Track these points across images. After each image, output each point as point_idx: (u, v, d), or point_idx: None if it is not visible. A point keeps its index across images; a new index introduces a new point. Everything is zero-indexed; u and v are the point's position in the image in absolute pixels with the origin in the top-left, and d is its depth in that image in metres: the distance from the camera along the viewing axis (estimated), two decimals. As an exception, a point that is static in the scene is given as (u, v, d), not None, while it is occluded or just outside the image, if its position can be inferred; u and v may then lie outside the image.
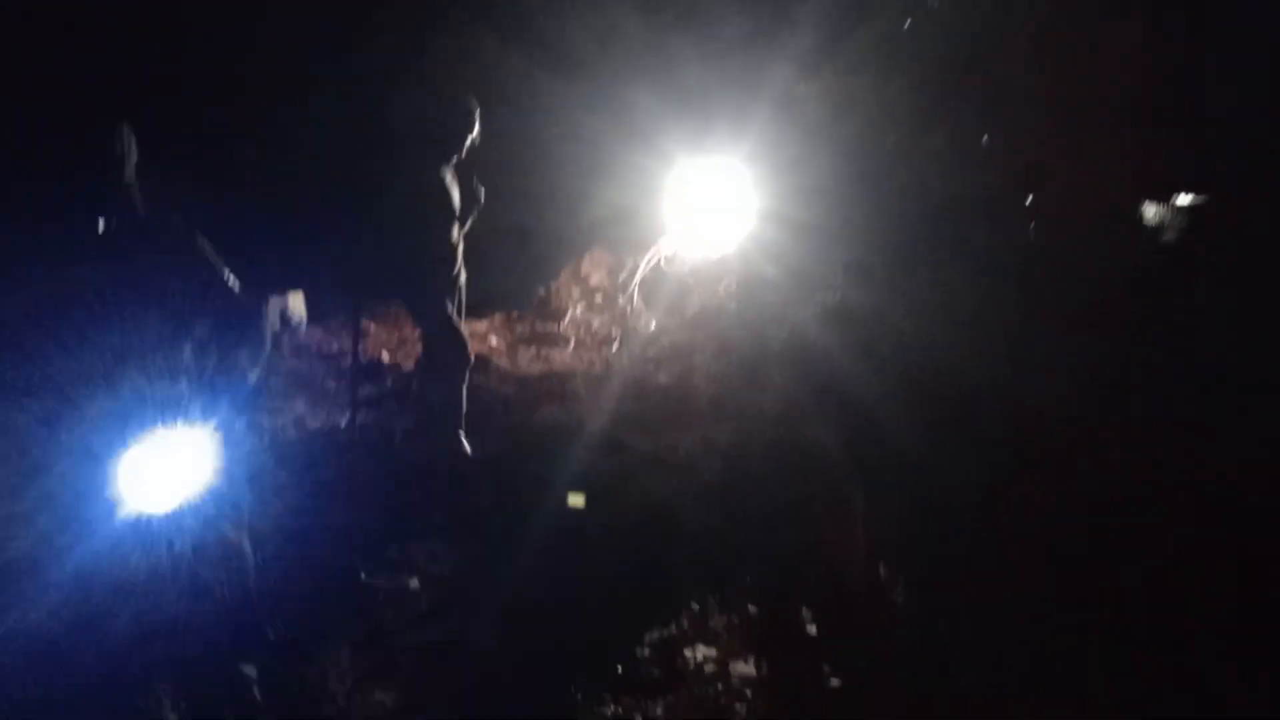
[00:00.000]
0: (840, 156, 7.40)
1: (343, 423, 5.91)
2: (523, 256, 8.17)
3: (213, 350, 2.42)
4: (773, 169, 7.96)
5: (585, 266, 8.63)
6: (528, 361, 7.08)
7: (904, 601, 3.64)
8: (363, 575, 3.75)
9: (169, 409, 2.28)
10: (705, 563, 4.00)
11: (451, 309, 4.76)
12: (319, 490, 4.63)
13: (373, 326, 8.24)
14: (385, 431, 5.48)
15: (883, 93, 7.38)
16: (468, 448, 4.94)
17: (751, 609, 3.70)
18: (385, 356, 7.28)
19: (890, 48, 7.06)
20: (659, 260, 8.32)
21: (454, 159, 4.74)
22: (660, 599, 3.74)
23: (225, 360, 2.28)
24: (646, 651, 3.40)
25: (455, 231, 4.73)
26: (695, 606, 3.67)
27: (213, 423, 2.23)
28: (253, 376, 2.32)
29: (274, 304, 8.31)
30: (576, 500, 3.91)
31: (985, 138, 7.59)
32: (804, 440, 5.28)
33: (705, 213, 8.19)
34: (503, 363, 6.97)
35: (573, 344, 7.50)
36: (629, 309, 7.97)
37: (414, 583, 3.75)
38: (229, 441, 2.29)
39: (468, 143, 4.70)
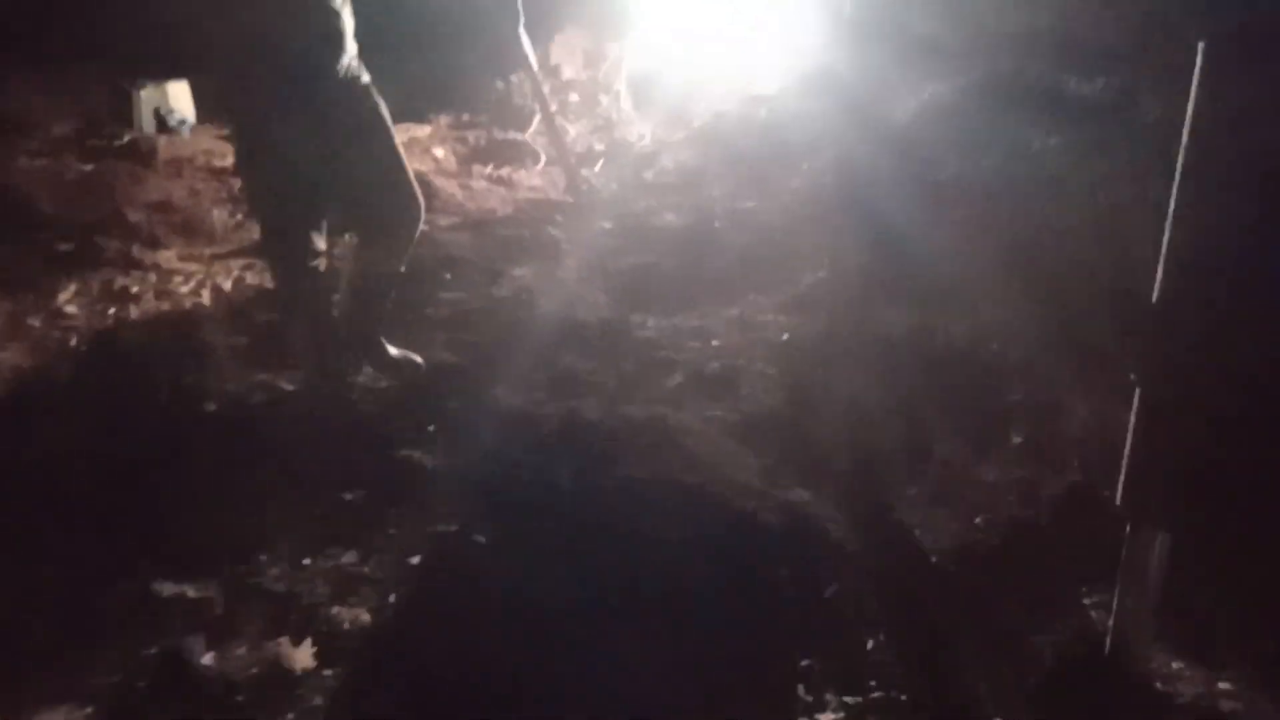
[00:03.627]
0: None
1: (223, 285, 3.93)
2: (473, 41, 5.94)
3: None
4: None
5: (555, 55, 6.40)
6: (485, 188, 5.03)
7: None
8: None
9: None
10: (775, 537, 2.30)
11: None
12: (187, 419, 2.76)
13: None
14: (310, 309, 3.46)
15: None
16: (403, 355, 3.03)
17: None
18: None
19: None
20: (652, 49, 6.13)
21: None
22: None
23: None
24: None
25: None
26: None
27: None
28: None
29: (146, 100, 6.05)
30: None
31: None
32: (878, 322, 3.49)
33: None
34: (452, 189, 4.93)
35: (543, 161, 5.44)
36: (614, 114, 5.86)
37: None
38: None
39: None
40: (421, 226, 3.01)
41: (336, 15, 2.63)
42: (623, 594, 2.15)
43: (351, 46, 2.69)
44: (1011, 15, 4.89)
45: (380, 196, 2.84)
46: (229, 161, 5.44)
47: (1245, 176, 1.42)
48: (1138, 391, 1.63)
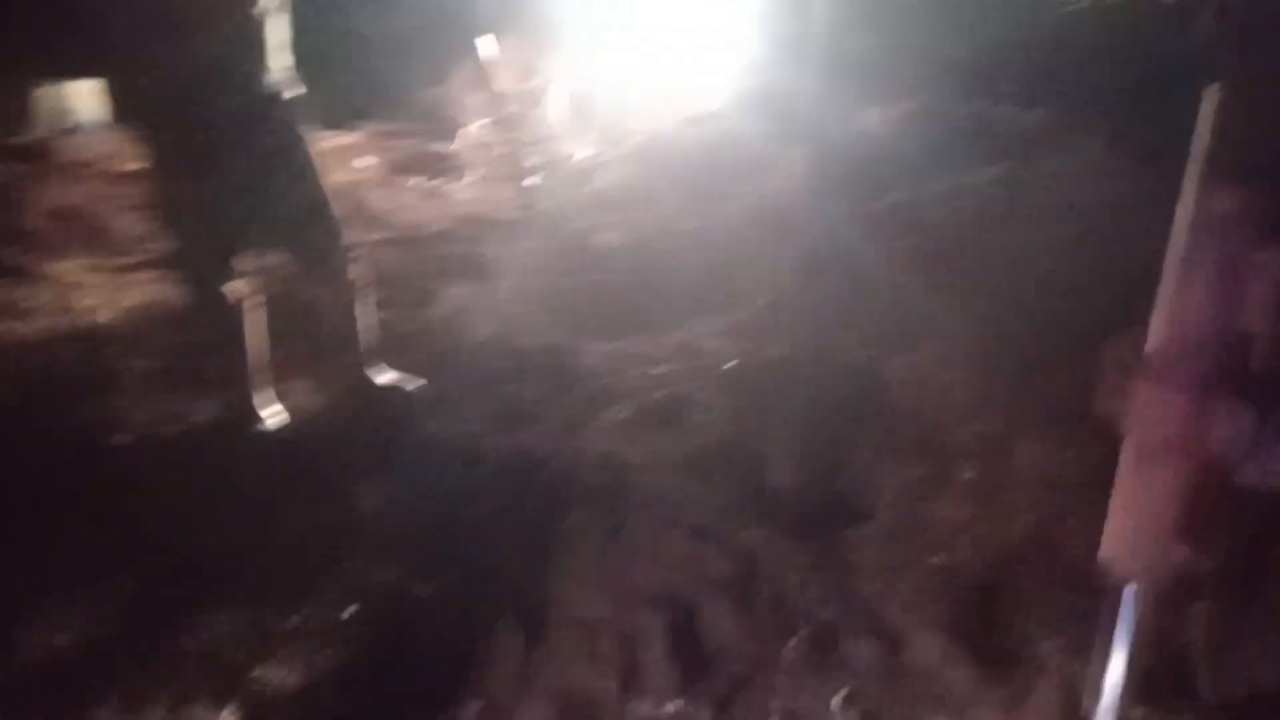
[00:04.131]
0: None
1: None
2: (400, 46, 5.72)
3: None
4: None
5: (487, 65, 6.24)
6: (414, 201, 4.83)
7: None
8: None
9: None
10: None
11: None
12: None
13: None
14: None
15: None
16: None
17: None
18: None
19: None
20: (584, 64, 6.02)
21: None
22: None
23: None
24: None
25: None
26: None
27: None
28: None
29: (45, 98, 5.66)
30: None
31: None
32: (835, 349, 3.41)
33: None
34: (378, 200, 4.72)
35: (475, 174, 5.26)
36: (548, 127, 5.71)
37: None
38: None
39: None
40: (346, 244, 2.80)
41: (256, 26, 2.43)
42: (572, 652, 2.01)
43: (275, 60, 2.49)
44: (947, 45, 4.94)
45: (299, 218, 2.63)
46: (135, 166, 5.12)
47: (1249, 229, 1.37)
48: (1125, 444, 1.57)
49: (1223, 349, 1.44)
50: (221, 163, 2.40)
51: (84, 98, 5.49)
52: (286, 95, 2.54)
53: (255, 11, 2.39)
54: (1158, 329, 1.50)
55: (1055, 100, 4.53)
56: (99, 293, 3.69)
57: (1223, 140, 1.33)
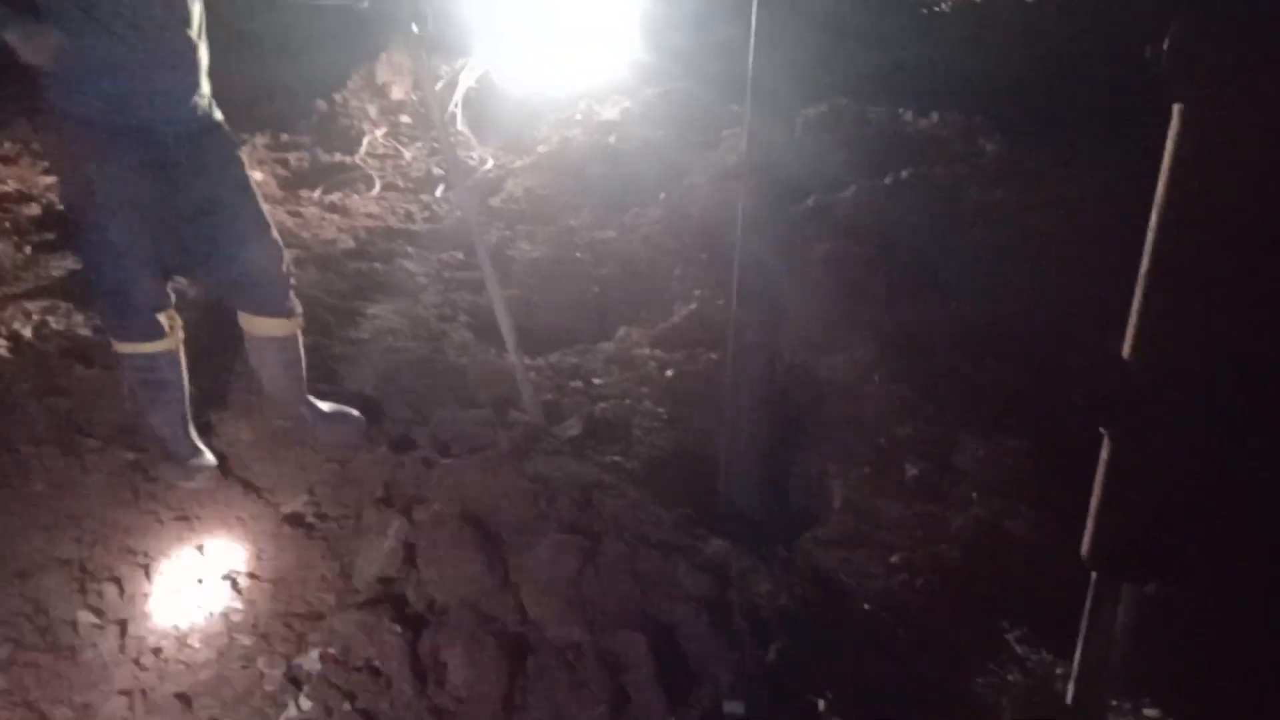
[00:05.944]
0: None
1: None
2: (287, 56, 5.47)
3: None
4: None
5: (382, 73, 6.02)
6: (318, 215, 4.63)
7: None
8: None
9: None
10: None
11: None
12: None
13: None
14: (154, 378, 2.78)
15: None
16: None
17: None
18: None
19: None
20: (485, 71, 5.89)
21: None
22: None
23: None
24: None
25: None
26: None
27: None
28: None
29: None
30: None
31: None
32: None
33: (553, 7, 5.78)
34: (281, 217, 4.49)
35: (379, 186, 5.07)
36: (451, 137, 5.56)
37: None
38: None
39: None
40: (288, 269, 2.64)
41: (193, 47, 2.27)
42: (557, 679, 1.95)
43: (206, 83, 2.33)
44: (848, 53, 5.06)
45: (238, 246, 2.45)
46: (11, 186, 4.74)
47: (1222, 233, 1.43)
48: (1105, 443, 1.62)
49: (1205, 353, 1.50)
50: (158, 185, 2.24)
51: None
52: (218, 117, 2.38)
53: (192, 31, 2.23)
54: (1137, 333, 1.56)
55: (949, 105, 4.69)
56: (-14, 325, 3.38)
57: (1184, 163, 1.40)
